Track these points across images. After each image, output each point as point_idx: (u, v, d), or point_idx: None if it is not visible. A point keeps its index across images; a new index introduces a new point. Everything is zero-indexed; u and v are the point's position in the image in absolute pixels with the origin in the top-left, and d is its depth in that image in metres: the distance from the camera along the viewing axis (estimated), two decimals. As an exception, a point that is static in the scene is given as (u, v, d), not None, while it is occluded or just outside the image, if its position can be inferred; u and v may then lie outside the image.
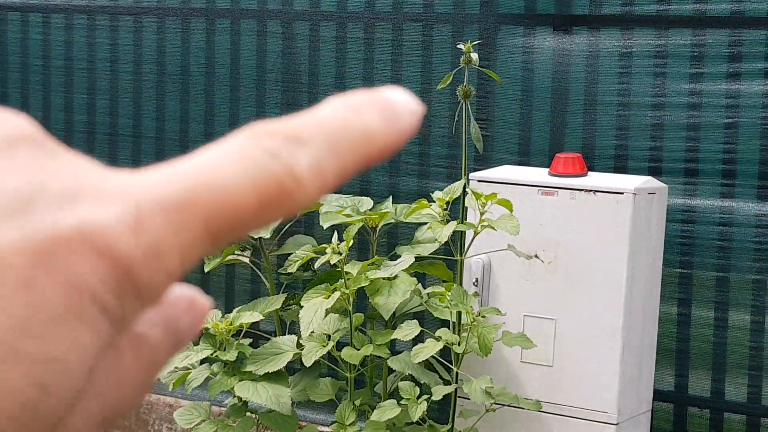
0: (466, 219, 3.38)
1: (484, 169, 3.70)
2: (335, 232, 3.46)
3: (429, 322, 3.62)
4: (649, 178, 3.51)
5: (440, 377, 3.48)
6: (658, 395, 3.66)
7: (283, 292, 3.82)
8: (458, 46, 3.36)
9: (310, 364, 3.37)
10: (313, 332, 3.37)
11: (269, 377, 3.45)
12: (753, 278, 3.59)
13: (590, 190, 3.34)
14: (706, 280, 3.64)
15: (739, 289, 3.60)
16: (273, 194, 0.39)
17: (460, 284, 3.38)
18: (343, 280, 3.39)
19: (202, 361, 3.55)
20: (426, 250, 3.61)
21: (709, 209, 3.63)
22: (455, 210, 3.42)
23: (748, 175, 3.57)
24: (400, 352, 3.48)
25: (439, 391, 3.27)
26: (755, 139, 3.56)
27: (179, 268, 0.37)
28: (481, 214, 3.27)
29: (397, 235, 4.06)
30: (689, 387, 3.69)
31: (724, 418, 3.65)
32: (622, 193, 3.29)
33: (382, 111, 0.41)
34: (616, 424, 3.31)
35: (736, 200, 3.60)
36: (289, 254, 3.79)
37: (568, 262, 3.36)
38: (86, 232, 0.35)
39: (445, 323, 3.37)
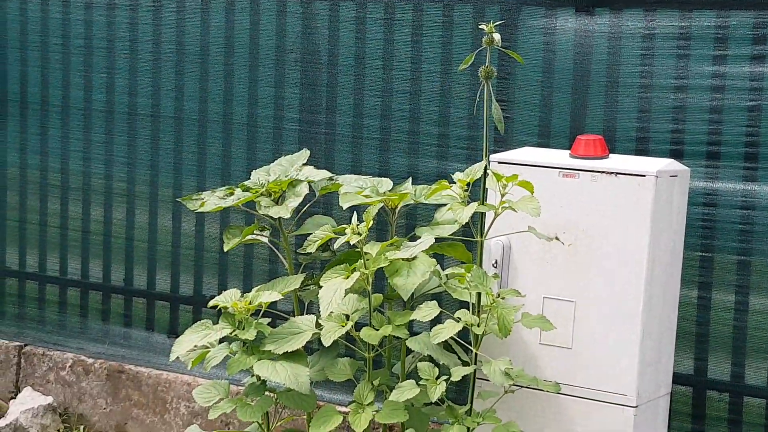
0: (486, 200, 3.37)
1: (504, 150, 3.69)
2: (354, 213, 3.46)
3: (447, 304, 3.62)
4: (671, 160, 3.50)
5: (459, 358, 3.48)
6: (678, 378, 3.65)
7: (301, 272, 3.82)
8: (480, 27, 3.35)
9: (329, 344, 3.37)
10: (332, 312, 3.37)
11: (288, 356, 3.46)
12: (775, 262, 3.59)
13: (612, 173, 3.33)
14: (727, 264, 3.62)
15: (760, 272, 3.58)
16: None
17: (480, 266, 3.37)
18: (362, 261, 3.39)
19: (221, 340, 3.56)
20: (445, 231, 3.61)
21: (731, 192, 3.61)
22: (475, 191, 3.41)
23: (772, 158, 3.57)
24: (417, 333, 3.48)
25: (458, 372, 3.27)
26: (779, 122, 3.55)
27: None
28: (502, 195, 3.26)
29: (416, 217, 4.06)
30: (709, 371, 3.67)
31: (743, 402, 3.64)
32: (644, 176, 3.28)
33: None
34: (635, 406, 3.30)
35: (758, 184, 3.57)
36: (308, 234, 3.80)
37: (588, 245, 3.35)
38: None
39: (463, 305, 3.37)
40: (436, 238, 3.52)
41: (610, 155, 3.49)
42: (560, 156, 3.50)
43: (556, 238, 3.37)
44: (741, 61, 3.57)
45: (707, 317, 3.67)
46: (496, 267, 3.48)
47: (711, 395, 3.68)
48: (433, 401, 3.30)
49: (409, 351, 3.61)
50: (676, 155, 3.64)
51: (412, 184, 3.84)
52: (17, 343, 4.93)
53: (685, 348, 3.67)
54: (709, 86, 3.61)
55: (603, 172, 3.34)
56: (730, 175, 3.61)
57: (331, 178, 3.91)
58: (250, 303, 3.51)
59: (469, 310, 3.32)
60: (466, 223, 3.31)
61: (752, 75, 3.56)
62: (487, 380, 3.28)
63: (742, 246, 3.60)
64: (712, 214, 3.64)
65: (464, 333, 3.32)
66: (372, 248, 3.41)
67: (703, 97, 3.63)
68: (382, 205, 3.67)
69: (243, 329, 3.50)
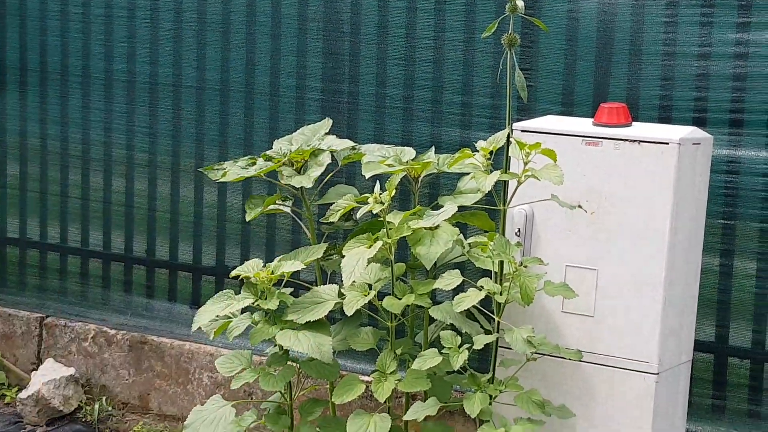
0: (509, 169, 3.48)
1: (527, 119, 3.81)
2: (377, 182, 3.58)
3: (470, 273, 3.74)
4: (694, 128, 3.61)
5: (481, 327, 3.61)
6: (699, 346, 3.78)
7: (324, 242, 3.94)
8: (502, -5, 3.46)
9: (351, 313, 3.49)
10: (354, 281, 3.49)
11: (310, 326, 3.57)
12: (797, 229, 3.72)
13: (635, 140, 3.44)
14: (749, 231, 3.75)
15: (783, 240, 3.73)
16: None
17: (503, 234, 3.49)
18: (385, 230, 3.52)
19: (243, 310, 3.67)
20: (468, 200, 3.73)
21: (753, 160, 3.73)
22: (498, 160, 3.52)
23: (794, 125, 3.69)
24: (440, 302, 3.60)
25: (480, 341, 3.40)
26: (802, 89, 3.67)
27: None
28: (525, 163, 3.37)
29: (439, 186, 4.18)
30: (730, 338, 3.81)
31: (764, 369, 3.78)
32: (667, 144, 3.39)
33: None
34: (657, 373, 3.43)
35: (782, 151, 3.72)
36: (331, 204, 3.89)
37: (611, 213, 3.46)
38: None
39: (486, 273, 3.49)
40: (458, 207, 3.63)
41: (633, 123, 3.59)
42: (583, 124, 3.61)
43: (579, 207, 3.47)
44: (764, 28, 3.68)
45: (729, 285, 3.79)
46: (518, 235, 3.60)
47: (732, 362, 3.81)
48: (456, 369, 3.42)
49: (431, 320, 3.74)
50: (699, 123, 3.76)
51: (435, 153, 3.94)
52: (39, 315, 5.08)
53: (706, 315, 3.81)
54: (733, 54, 3.73)
55: (626, 140, 3.45)
56: (753, 142, 3.73)
57: (353, 148, 4.01)
58: (272, 273, 3.60)
59: (491, 278, 3.44)
60: (489, 192, 3.40)
61: (776, 42, 3.69)
62: (510, 348, 3.40)
63: (765, 213, 3.73)
64: (734, 181, 3.76)
65: (487, 301, 3.44)
66: (395, 217, 3.53)
67: (726, 64, 3.74)
68: (404, 174, 3.78)
69: (265, 299, 3.60)
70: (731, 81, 3.74)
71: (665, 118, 3.82)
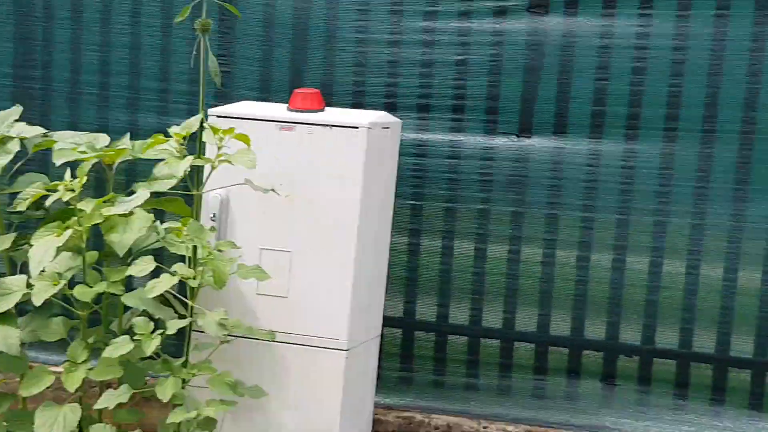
0: (204, 154, 3.56)
1: (225, 105, 3.90)
2: (69, 170, 3.57)
3: (168, 259, 3.79)
4: (384, 113, 3.81)
5: (176, 312, 3.66)
6: (388, 321, 4.00)
7: (14, 232, 3.89)
8: (195, -22, 3.54)
9: (39, 304, 3.46)
10: (44, 271, 3.47)
11: (-3, 318, 3.53)
12: (478, 208, 3.98)
13: (326, 125, 3.59)
14: (436, 211, 4.01)
15: (466, 218, 3.99)
16: None
17: (198, 219, 3.56)
18: (76, 218, 3.52)
19: None
20: (164, 186, 3.77)
21: (439, 143, 3.98)
22: (193, 146, 3.59)
23: (476, 110, 3.95)
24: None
25: (173, 325, 3.45)
26: (483, 75, 3.93)
27: None
28: (219, 148, 3.46)
29: (137, 173, 4.20)
30: (417, 312, 4.05)
31: (447, 340, 4.04)
32: (357, 128, 3.56)
33: None
34: (347, 350, 3.59)
35: (464, 134, 3.97)
36: (20, 192, 3.86)
37: (304, 196, 3.59)
38: None
39: (183, 259, 3.55)
40: (156, 193, 3.68)
41: (327, 108, 3.75)
42: (279, 109, 3.73)
43: (273, 190, 3.57)
44: (449, 17, 3.94)
45: (416, 262, 4.04)
46: (214, 220, 3.68)
47: (419, 335, 4.07)
48: (148, 355, 3.45)
49: (127, 308, 3.76)
50: (391, 108, 3.97)
51: (134, 140, 3.96)
52: None
53: (396, 292, 4.04)
54: (421, 41, 3.96)
55: (318, 124, 3.60)
56: (438, 126, 3.98)
57: (45, 135, 3.99)
58: (-45, 264, 3.54)
59: (186, 263, 3.50)
60: (186, 178, 3.48)
61: (460, 30, 3.93)
62: (204, 332, 3.48)
63: (450, 194, 3.99)
64: (422, 164, 4.00)
65: (184, 287, 3.51)
66: (87, 205, 3.53)
67: (415, 51, 3.97)
68: (97, 161, 3.79)
69: (-54, 294, 3.53)
70: (419, 67, 3.98)
71: (358, 104, 4.01)
